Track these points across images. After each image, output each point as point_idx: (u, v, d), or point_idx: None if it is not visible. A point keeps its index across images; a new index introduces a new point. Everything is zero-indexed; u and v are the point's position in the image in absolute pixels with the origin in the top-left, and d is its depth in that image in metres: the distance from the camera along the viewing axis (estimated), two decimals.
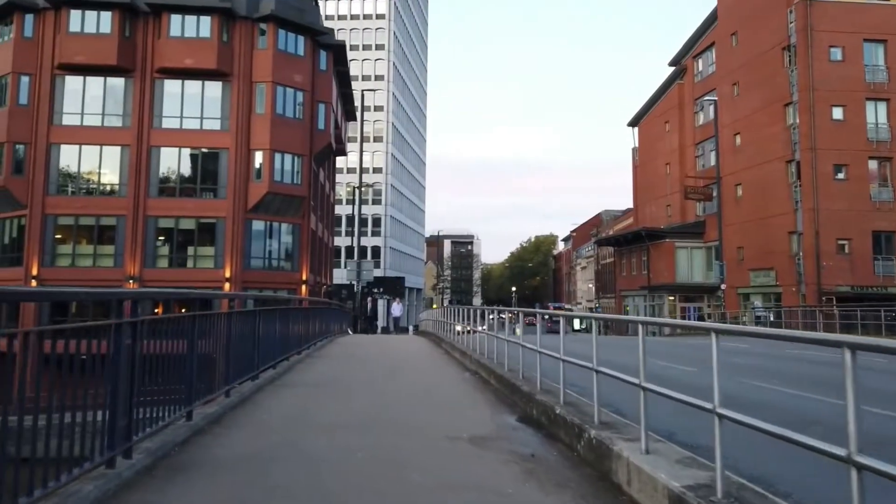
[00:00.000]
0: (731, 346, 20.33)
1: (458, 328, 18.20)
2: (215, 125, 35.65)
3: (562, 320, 7.74)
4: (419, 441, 6.48)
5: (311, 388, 10.31)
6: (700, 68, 50.06)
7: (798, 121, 37.71)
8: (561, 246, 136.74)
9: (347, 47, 43.76)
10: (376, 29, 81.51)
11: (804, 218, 36.90)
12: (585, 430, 5.77)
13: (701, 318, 44.84)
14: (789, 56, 38.94)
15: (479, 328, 15.40)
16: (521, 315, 9.71)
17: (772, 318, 35.80)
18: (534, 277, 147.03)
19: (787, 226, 38.12)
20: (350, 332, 31.45)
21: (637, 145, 59.39)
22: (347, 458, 5.71)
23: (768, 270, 39.80)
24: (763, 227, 39.87)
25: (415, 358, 16.66)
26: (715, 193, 41.10)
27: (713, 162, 42.61)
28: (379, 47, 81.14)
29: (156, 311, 5.99)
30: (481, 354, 13.20)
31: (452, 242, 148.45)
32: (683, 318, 46.32)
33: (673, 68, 53.17)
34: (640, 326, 5.09)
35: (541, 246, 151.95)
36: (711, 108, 42.90)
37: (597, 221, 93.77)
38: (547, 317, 10.76)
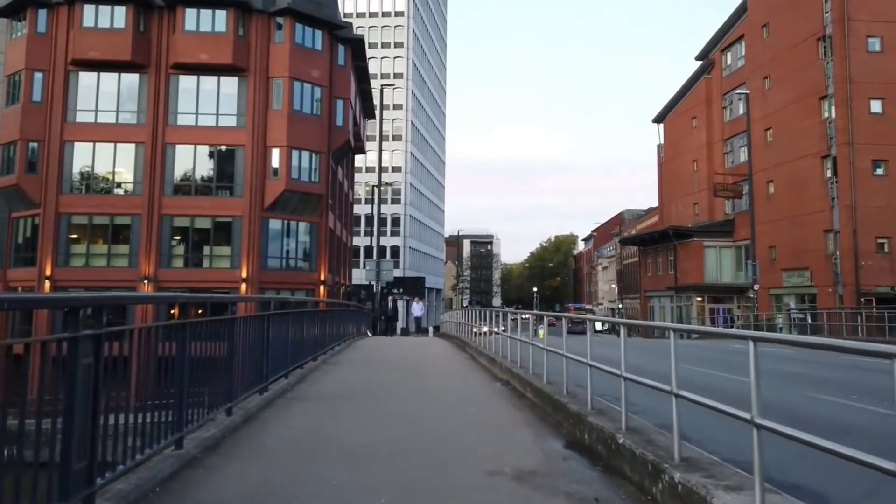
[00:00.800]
0: (774, 351, 19.02)
1: (485, 330, 17.25)
2: (231, 122, 34.80)
3: (622, 328, 6.45)
4: (452, 477, 5.34)
5: (326, 401, 9.22)
6: (728, 62, 48.47)
7: (834, 114, 36.16)
8: (581, 246, 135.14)
9: (366, 45, 42.72)
10: (395, 27, 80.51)
11: (841, 216, 35.38)
12: (664, 469, 4.59)
13: (731, 320, 43.32)
14: (824, 47, 37.38)
15: (499, 329, 14.39)
16: (563, 321, 8.41)
17: (809, 321, 34.24)
18: (554, 278, 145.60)
19: (823, 224, 36.56)
20: (369, 333, 30.40)
21: (662, 142, 57.79)
22: None
23: (802, 270, 38.24)
24: (796, 225, 38.30)
25: (439, 365, 15.54)
26: (746, 191, 39.55)
27: (742, 158, 41.08)
28: (398, 45, 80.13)
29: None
30: (513, 362, 12.09)
31: (472, 242, 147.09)
32: (712, 319, 44.80)
33: (700, 62, 51.58)
34: (750, 343, 3.83)
35: (561, 246, 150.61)
36: (741, 102, 41.40)
37: (618, 221, 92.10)
38: (575, 319, 9.56)
